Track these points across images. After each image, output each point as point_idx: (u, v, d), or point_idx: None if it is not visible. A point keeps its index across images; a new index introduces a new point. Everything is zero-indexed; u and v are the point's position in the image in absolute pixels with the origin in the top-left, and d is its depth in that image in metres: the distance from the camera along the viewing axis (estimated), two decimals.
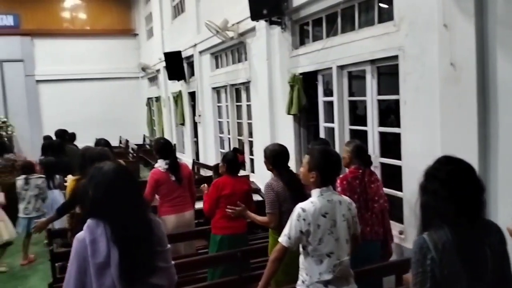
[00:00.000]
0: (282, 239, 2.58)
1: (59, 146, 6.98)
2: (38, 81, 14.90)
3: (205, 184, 4.29)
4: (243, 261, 3.87)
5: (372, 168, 4.38)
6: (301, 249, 2.63)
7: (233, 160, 4.13)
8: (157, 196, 4.59)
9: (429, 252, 1.77)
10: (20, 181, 5.97)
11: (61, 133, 8.40)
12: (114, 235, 1.89)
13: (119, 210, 1.95)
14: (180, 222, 4.52)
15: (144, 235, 1.97)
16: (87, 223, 1.96)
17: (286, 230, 2.57)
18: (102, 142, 5.32)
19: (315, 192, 2.62)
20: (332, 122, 5.05)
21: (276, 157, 3.54)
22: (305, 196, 3.06)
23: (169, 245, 2.13)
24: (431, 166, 1.91)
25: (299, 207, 2.56)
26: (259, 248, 4.25)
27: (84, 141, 8.36)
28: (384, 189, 4.34)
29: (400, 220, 4.14)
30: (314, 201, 2.57)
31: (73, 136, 8.71)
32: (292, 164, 5.53)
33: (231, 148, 8.02)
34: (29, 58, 14.69)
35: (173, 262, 2.15)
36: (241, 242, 4.07)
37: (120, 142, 14.69)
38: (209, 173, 7.75)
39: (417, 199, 1.90)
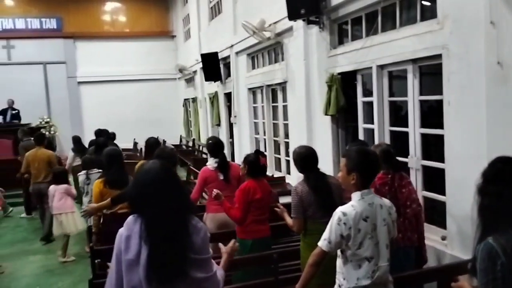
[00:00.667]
0: (322, 243, 2.51)
1: (104, 144, 6.98)
2: (79, 82, 15.41)
3: (218, 191, 4.13)
4: (276, 264, 3.84)
5: (413, 171, 4.28)
6: (339, 253, 2.57)
7: (255, 162, 4.06)
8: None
9: (498, 257, 1.68)
10: (81, 176, 6.18)
11: (99, 133, 8.63)
12: (145, 233, 1.88)
13: (153, 209, 1.92)
14: (228, 221, 4.52)
15: (177, 238, 1.89)
16: (128, 219, 1.98)
17: (326, 234, 2.51)
18: (151, 141, 5.37)
19: (355, 196, 2.54)
20: (372, 123, 4.94)
21: (303, 160, 3.45)
22: (333, 201, 3.00)
23: (210, 253, 2.03)
24: (491, 167, 1.82)
25: (339, 210, 2.49)
26: (294, 251, 4.21)
27: (122, 140, 8.63)
28: (426, 192, 4.22)
29: (442, 225, 3.99)
30: (354, 204, 2.50)
31: (113, 136, 8.94)
32: (329, 167, 5.48)
33: (265, 150, 8.04)
34: (71, 60, 15.22)
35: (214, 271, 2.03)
36: (268, 245, 4.05)
37: None
38: None
39: (474, 203, 1.81)
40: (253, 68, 8.74)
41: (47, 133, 13.35)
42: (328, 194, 3.24)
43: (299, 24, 6.03)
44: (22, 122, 12.71)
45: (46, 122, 13.97)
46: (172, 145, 13.93)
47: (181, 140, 15.93)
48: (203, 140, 12.70)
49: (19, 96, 13.60)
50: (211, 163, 4.56)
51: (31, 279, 5.68)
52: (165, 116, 15.83)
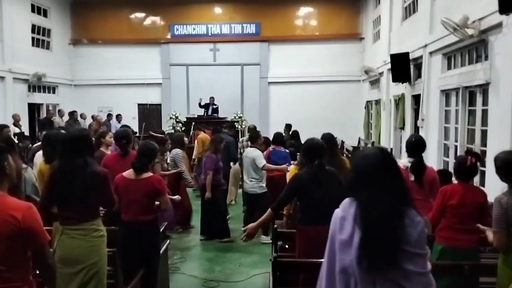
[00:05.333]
0: None
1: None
2: (269, 82, 16.58)
3: None
4: (470, 277, 3.52)
5: None
6: None
7: (460, 163, 3.72)
8: None
9: None
10: None
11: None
12: (359, 216, 1.91)
13: (367, 194, 1.93)
14: None
15: (390, 227, 1.86)
16: (344, 201, 2.04)
17: None
18: (326, 136, 5.56)
19: None
20: None
21: (508, 167, 3.06)
22: None
23: (427, 251, 1.96)
24: None
25: None
26: (494, 266, 3.80)
27: (302, 138, 9.13)
28: None
29: None
30: None
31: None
32: None
33: (455, 157, 7.38)
34: (265, 62, 16.49)
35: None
36: (467, 257, 3.68)
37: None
38: None
39: None
40: (449, 68, 8.13)
41: (238, 126, 14.83)
42: None
43: (511, 19, 5.39)
44: (220, 116, 14.44)
45: (239, 117, 15.46)
46: (351, 146, 13.96)
47: (359, 142, 15.77)
48: (383, 143, 12.35)
49: (219, 93, 15.41)
50: (404, 161, 4.35)
51: (217, 253, 6.40)
52: (346, 117, 15.86)
